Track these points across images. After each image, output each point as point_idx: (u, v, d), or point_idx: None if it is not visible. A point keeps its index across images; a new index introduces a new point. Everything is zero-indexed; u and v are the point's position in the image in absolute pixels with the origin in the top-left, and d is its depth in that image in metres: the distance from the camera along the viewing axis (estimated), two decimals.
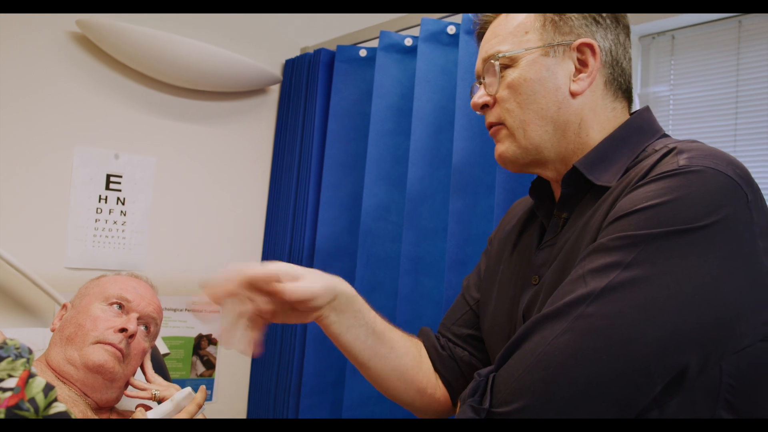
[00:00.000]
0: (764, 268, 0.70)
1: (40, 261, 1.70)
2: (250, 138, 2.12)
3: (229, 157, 2.07)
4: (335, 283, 0.92)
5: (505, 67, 0.89)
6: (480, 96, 0.92)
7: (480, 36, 0.97)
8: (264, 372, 2.04)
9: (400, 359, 0.99)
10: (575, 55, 0.86)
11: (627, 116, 0.90)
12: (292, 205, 2.01)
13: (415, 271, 1.60)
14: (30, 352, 0.69)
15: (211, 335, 2.01)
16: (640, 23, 2.12)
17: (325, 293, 0.89)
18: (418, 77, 1.62)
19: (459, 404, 0.77)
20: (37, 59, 1.72)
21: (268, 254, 2.09)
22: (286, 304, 0.87)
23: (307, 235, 1.92)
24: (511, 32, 0.89)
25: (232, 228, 2.07)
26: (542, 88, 0.86)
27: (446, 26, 1.62)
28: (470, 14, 1.53)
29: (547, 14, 0.88)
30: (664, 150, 0.77)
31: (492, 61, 0.89)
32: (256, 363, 2.09)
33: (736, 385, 0.71)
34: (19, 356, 0.67)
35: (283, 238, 2.02)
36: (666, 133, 0.88)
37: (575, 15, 0.87)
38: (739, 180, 0.70)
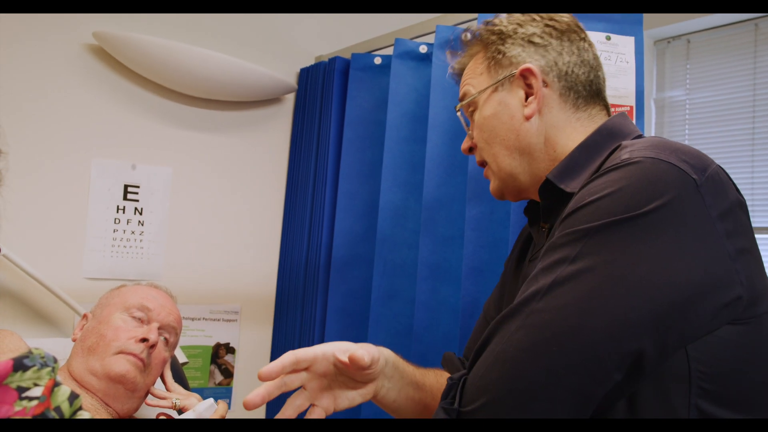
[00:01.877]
0: (725, 250, 0.69)
1: (59, 271, 1.72)
2: (266, 147, 2.13)
3: (245, 166, 2.08)
4: (378, 348, 0.90)
5: (472, 112, 0.98)
6: (464, 142, 1.02)
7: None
8: None
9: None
10: (521, 82, 0.92)
11: (601, 122, 0.92)
12: (309, 213, 2.02)
13: (432, 278, 1.59)
14: (55, 361, 0.69)
15: (228, 344, 2.02)
16: (655, 27, 2.10)
17: (380, 356, 0.88)
18: (433, 84, 1.62)
19: None
20: (54, 71, 1.74)
21: (284, 263, 2.10)
22: (344, 378, 0.88)
23: (324, 243, 1.92)
24: (469, 80, 0.99)
25: (248, 237, 2.07)
26: (498, 121, 0.93)
27: (461, 33, 1.61)
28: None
29: (488, 54, 0.96)
30: (615, 148, 0.80)
31: (461, 111, 1.01)
32: None
33: (710, 372, 0.69)
34: (44, 365, 0.67)
35: (300, 247, 2.03)
36: (641, 134, 0.88)
37: (511, 46, 0.94)
38: (684, 165, 0.71)
